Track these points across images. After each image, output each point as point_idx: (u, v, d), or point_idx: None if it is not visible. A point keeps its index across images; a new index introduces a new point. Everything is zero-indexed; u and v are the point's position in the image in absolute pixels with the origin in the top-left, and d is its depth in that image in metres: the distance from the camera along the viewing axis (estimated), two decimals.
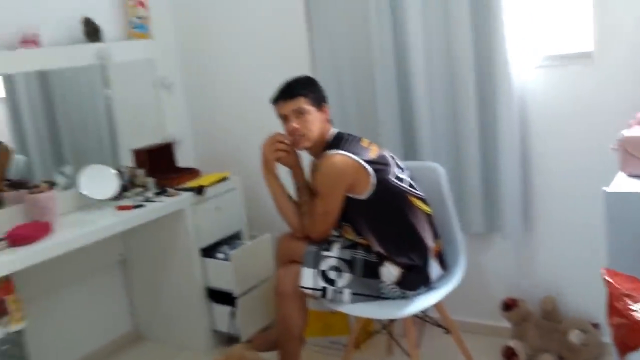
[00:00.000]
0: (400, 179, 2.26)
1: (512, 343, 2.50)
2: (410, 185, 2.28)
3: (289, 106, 2.23)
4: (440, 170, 2.45)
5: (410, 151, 2.71)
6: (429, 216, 2.31)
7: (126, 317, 3.16)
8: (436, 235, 2.34)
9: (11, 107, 2.68)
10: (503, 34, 2.37)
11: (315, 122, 2.25)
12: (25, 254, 2.23)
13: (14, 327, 2.28)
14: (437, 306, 2.41)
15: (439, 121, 2.63)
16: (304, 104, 2.22)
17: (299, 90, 2.24)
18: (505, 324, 2.65)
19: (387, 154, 2.31)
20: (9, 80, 2.62)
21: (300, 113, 2.23)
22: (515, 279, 2.70)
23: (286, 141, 2.30)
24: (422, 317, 2.51)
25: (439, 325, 2.52)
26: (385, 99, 2.67)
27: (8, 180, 2.62)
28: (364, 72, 2.75)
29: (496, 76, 2.43)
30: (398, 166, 2.29)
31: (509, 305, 2.59)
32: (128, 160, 3.00)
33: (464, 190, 2.63)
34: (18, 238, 2.28)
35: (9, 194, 2.55)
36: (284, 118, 2.27)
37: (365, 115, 2.80)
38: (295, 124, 2.23)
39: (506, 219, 2.55)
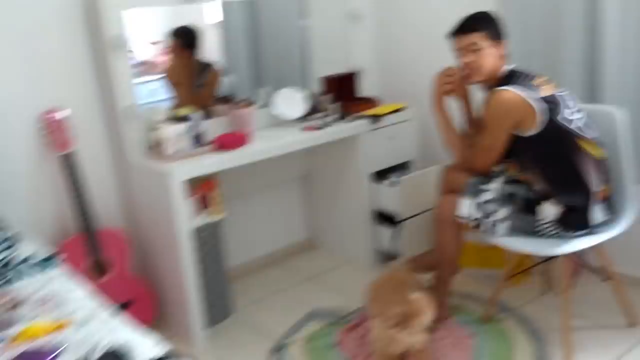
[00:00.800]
0: (570, 121, 2.24)
1: None
2: (581, 128, 2.25)
3: (464, 40, 2.30)
4: (618, 115, 2.35)
5: (591, 93, 2.63)
6: (598, 160, 2.27)
7: (303, 227, 3.56)
8: (605, 180, 2.29)
9: (224, 33, 3.09)
10: None
11: (489, 58, 2.29)
12: (227, 158, 2.65)
13: (215, 218, 2.75)
14: (598, 253, 2.40)
15: (628, 64, 2.50)
16: (478, 39, 2.27)
17: (475, 25, 2.29)
18: None
19: (560, 93, 2.28)
20: (226, 6, 3.02)
21: (474, 48, 2.28)
22: None
23: (458, 75, 2.39)
24: (579, 261, 2.51)
25: (598, 272, 2.49)
26: (571, 38, 2.61)
27: (218, 95, 3.09)
28: (551, 8, 2.68)
29: None
30: (570, 107, 2.27)
31: None
32: (316, 86, 3.30)
33: None
34: (222, 144, 2.71)
35: (217, 108, 3.01)
36: (459, 52, 2.35)
37: (548, 53, 2.74)
38: (467, 59, 2.30)
39: None
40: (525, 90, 2.21)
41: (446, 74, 2.42)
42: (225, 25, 3.08)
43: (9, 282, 1.90)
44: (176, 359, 1.43)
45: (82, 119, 2.64)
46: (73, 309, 1.72)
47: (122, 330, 1.57)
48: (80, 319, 1.65)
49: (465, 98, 2.45)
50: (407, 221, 3.07)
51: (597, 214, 2.27)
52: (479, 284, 2.94)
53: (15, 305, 1.74)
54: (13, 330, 1.61)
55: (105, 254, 2.59)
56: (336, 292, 3.02)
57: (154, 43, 3.01)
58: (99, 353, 1.40)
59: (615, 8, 2.45)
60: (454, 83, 2.41)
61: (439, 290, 2.61)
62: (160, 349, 1.47)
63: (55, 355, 1.46)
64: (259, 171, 3.12)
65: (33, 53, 2.49)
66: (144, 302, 2.71)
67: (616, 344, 2.38)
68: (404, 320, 2.28)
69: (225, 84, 3.13)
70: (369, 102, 3.27)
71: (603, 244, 2.28)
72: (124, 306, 2.62)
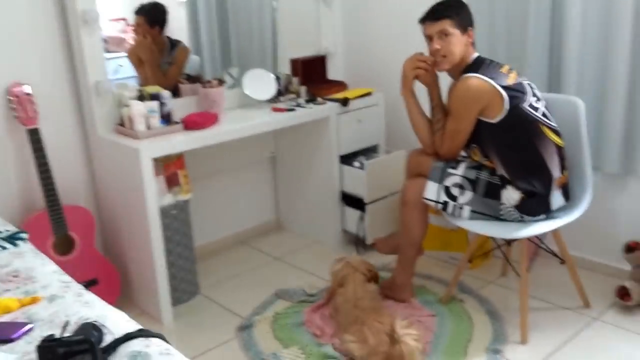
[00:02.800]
0: (536, 108, 2.32)
1: (628, 283, 2.52)
2: (544, 115, 2.33)
3: (434, 27, 2.35)
4: (580, 104, 2.45)
5: (554, 83, 2.72)
6: (559, 148, 2.36)
7: (271, 207, 3.59)
8: (564, 168, 2.39)
9: (191, 11, 3.07)
10: None
11: (458, 45, 2.35)
12: (196, 137, 2.64)
13: (182, 197, 2.74)
14: (556, 237, 2.50)
15: (588, 56, 2.60)
16: (448, 26, 2.32)
17: (445, 12, 2.33)
18: (625, 266, 2.67)
19: (526, 82, 2.36)
20: None
21: (443, 35, 2.33)
22: None
23: (427, 61, 2.44)
24: (538, 244, 2.61)
25: (556, 255, 2.60)
26: (535, 28, 2.68)
27: (185, 74, 3.07)
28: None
29: None
30: (535, 95, 2.35)
31: (632, 248, 2.59)
32: (285, 68, 3.31)
33: (604, 128, 2.61)
34: (191, 123, 2.70)
35: (185, 87, 2.98)
36: (429, 38, 2.40)
37: (514, 42, 2.82)
38: (437, 45, 2.36)
39: None
40: (492, 77, 2.28)
41: (415, 59, 2.47)
42: (191, 5, 3.05)
43: None
44: (148, 337, 1.43)
45: (50, 94, 2.59)
46: (42, 284, 1.71)
47: (93, 306, 1.58)
48: (50, 295, 1.65)
49: (432, 83, 2.50)
50: (373, 204, 3.13)
51: (557, 199, 2.37)
52: (441, 266, 3.03)
53: None
54: None
55: (70, 231, 2.57)
56: (303, 272, 3.06)
57: (119, 20, 2.97)
58: (74, 326, 1.40)
59: (579, 2, 2.53)
60: (423, 68, 2.46)
61: (403, 271, 2.68)
62: (134, 325, 1.48)
63: (30, 328, 1.46)
64: (228, 151, 3.12)
65: (0, 26, 2.43)
66: (109, 280, 2.70)
67: (570, 324, 2.50)
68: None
69: (192, 63, 3.11)
70: (338, 85, 3.31)
71: (560, 228, 2.38)
72: (89, 284, 2.60)
